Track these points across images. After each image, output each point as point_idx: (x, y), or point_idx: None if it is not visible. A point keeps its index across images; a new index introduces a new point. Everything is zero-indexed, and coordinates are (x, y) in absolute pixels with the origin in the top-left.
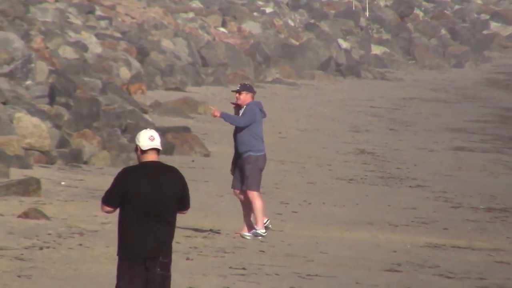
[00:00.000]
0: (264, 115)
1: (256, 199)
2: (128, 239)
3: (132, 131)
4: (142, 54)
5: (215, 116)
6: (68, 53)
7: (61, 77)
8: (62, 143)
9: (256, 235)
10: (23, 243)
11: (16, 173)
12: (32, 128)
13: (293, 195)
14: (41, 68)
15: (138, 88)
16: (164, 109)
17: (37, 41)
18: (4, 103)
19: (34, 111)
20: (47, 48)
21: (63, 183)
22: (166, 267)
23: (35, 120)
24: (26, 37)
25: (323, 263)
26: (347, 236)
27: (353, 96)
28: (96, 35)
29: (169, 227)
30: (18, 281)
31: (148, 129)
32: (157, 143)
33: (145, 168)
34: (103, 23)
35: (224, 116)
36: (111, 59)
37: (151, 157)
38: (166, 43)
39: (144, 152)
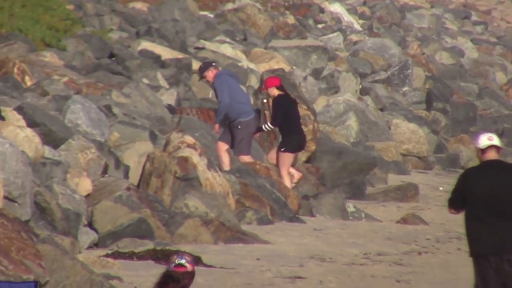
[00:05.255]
0: (235, 78)
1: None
2: (471, 237)
3: (509, 135)
4: None
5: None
6: (444, 58)
7: (438, 82)
8: (440, 148)
9: None
10: (401, 248)
11: (394, 179)
12: (409, 134)
13: None
14: (418, 74)
15: None
16: None
17: (414, 47)
18: (381, 110)
19: (411, 117)
20: (423, 54)
21: (441, 188)
22: None
23: (413, 126)
24: (403, 43)
25: None
26: None
27: None
28: (472, 40)
29: None
30: (397, 286)
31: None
32: (495, 141)
33: (483, 167)
34: (478, 28)
35: (216, 121)
36: (487, 64)
37: (491, 155)
38: None
39: (483, 151)
